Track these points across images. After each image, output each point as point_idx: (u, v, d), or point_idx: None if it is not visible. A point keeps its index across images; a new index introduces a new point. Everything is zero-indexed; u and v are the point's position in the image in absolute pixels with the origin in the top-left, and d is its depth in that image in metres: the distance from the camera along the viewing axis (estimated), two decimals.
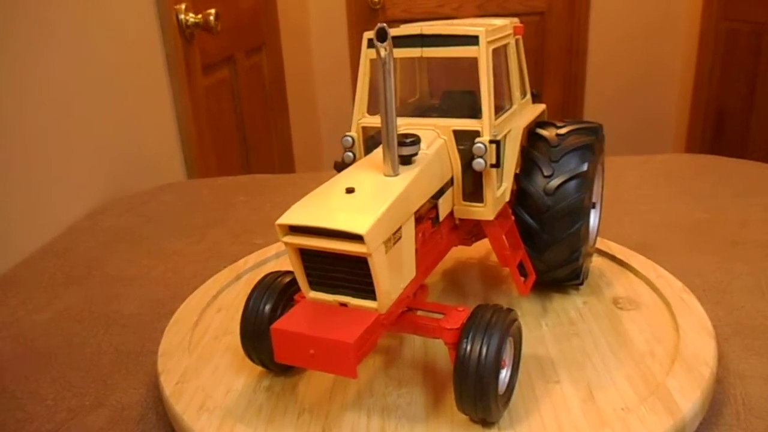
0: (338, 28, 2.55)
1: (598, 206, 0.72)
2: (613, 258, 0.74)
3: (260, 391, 0.55)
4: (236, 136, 1.78)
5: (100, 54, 1.14)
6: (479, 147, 0.54)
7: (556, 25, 2.55)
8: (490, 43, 0.56)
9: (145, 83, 1.29)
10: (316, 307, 0.49)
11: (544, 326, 0.62)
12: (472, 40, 0.55)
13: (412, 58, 0.59)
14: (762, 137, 2.09)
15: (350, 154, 0.60)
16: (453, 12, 2.52)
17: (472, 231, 0.65)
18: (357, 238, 0.44)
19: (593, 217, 0.71)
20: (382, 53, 0.45)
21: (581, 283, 0.67)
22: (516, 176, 0.62)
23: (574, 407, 0.51)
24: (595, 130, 0.65)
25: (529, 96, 0.67)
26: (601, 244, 0.76)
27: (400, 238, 0.49)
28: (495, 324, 0.48)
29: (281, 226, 0.47)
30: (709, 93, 2.36)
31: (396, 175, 0.50)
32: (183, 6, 1.40)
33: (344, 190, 0.48)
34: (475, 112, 0.56)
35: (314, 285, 0.50)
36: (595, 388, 0.53)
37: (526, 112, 0.65)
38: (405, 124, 0.59)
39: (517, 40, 0.64)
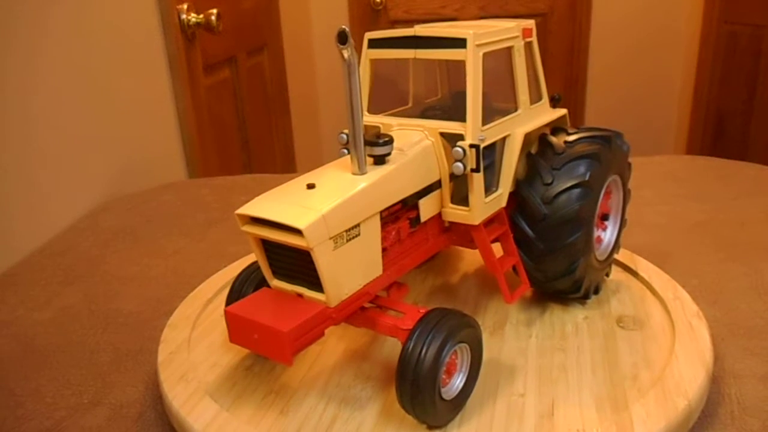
0: None
1: (615, 218, 0.69)
2: (635, 274, 0.71)
3: (240, 370, 0.58)
4: (237, 136, 1.79)
5: (102, 53, 1.14)
6: (457, 151, 0.54)
7: (558, 27, 2.55)
8: (481, 46, 0.55)
9: (146, 83, 1.30)
10: (273, 295, 0.52)
11: (532, 337, 0.61)
12: (460, 42, 0.55)
13: (432, 60, 0.59)
14: (762, 140, 2.09)
15: (345, 150, 0.60)
16: (455, 13, 2.52)
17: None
18: (299, 232, 0.46)
19: (609, 230, 0.68)
20: (345, 55, 0.47)
21: (584, 297, 0.65)
22: (518, 182, 0.61)
23: (527, 422, 0.50)
24: (608, 139, 0.62)
25: (544, 101, 0.65)
26: (628, 258, 0.73)
27: (357, 235, 0.50)
28: (441, 327, 0.48)
29: (241, 216, 0.49)
30: (709, 95, 2.35)
31: (363, 173, 0.51)
32: (185, 6, 1.40)
33: (305, 186, 0.50)
34: None
35: (276, 274, 0.52)
36: (559, 405, 0.52)
37: (536, 117, 0.63)
38: (397, 124, 0.59)
39: (529, 43, 0.62)
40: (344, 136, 0.60)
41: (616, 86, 2.61)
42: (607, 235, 0.68)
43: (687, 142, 2.56)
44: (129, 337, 0.68)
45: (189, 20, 1.41)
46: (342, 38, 0.46)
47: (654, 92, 2.63)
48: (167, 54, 1.36)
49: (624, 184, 0.68)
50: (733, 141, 2.26)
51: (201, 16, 1.44)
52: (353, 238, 0.50)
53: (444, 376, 0.49)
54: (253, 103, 1.88)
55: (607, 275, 0.70)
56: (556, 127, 0.65)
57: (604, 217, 0.67)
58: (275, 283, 0.52)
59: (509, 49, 0.59)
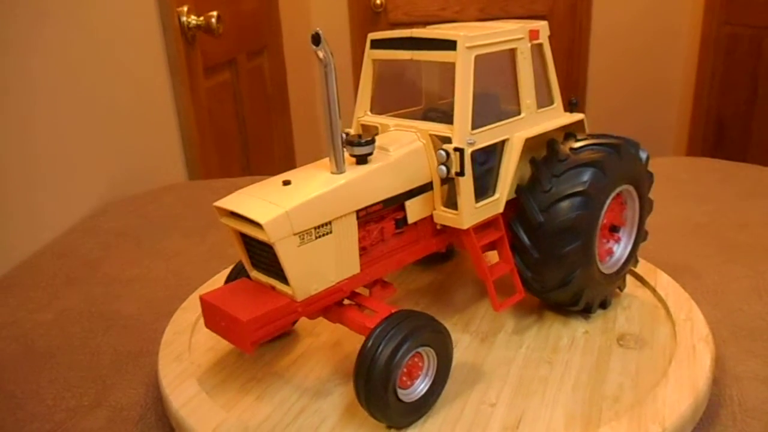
0: (340, 30, 2.55)
1: (630, 231, 0.65)
2: (653, 290, 0.68)
3: (233, 355, 0.61)
4: (238, 138, 1.79)
5: (102, 56, 1.14)
6: (440, 154, 0.54)
7: (558, 29, 2.55)
8: (473, 48, 0.55)
9: (146, 85, 1.30)
10: (249, 286, 0.53)
11: (523, 348, 0.60)
12: (450, 44, 0.55)
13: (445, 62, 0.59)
14: (763, 141, 2.09)
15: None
16: (454, 15, 2.52)
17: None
18: (261, 226, 0.47)
19: (623, 243, 0.65)
20: (320, 55, 0.48)
21: (585, 311, 0.63)
22: (519, 188, 0.60)
23: None
24: (617, 147, 0.59)
25: (557, 105, 0.63)
26: (649, 272, 0.70)
27: (328, 232, 0.51)
28: (402, 328, 0.48)
29: (219, 208, 0.51)
30: (710, 97, 2.35)
31: (340, 172, 0.52)
32: (185, 8, 1.40)
33: (281, 183, 0.51)
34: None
35: (255, 266, 0.54)
36: (527, 419, 0.51)
37: (544, 121, 0.61)
38: (394, 125, 0.59)
39: (539, 45, 0.61)
40: (344, 136, 0.60)
41: (617, 88, 2.61)
42: (619, 248, 0.65)
43: (688, 144, 2.56)
44: (129, 339, 0.68)
45: (189, 22, 1.41)
46: (315, 40, 0.47)
47: (654, 94, 2.63)
48: (167, 56, 1.36)
49: (641, 195, 0.64)
50: (733, 142, 2.26)
51: (201, 18, 1.44)
52: (324, 235, 0.51)
53: (404, 378, 0.49)
54: (253, 105, 1.88)
55: (620, 289, 0.67)
56: (568, 133, 0.63)
57: (614, 229, 0.64)
58: (254, 274, 0.54)
59: (512, 51, 0.58)
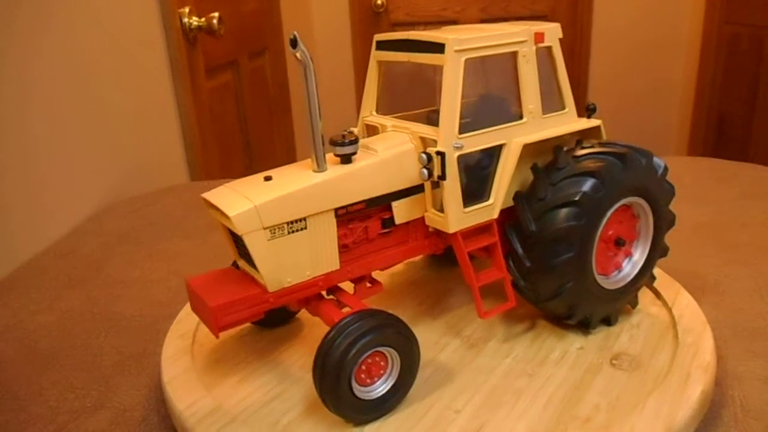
0: (342, 31, 2.55)
1: (643, 245, 0.62)
2: (669, 311, 0.63)
3: (234, 338, 0.64)
4: (240, 139, 1.79)
5: (104, 57, 1.14)
6: (422, 156, 0.54)
7: None
8: (462, 51, 0.54)
9: (148, 86, 1.30)
10: (232, 274, 0.56)
11: (509, 357, 0.59)
12: (440, 47, 0.54)
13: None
14: (763, 141, 2.08)
15: None
16: (455, 15, 2.52)
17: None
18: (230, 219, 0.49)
19: (635, 257, 0.62)
20: (299, 56, 0.49)
21: (583, 326, 0.61)
22: (517, 194, 0.59)
23: None
24: (622, 157, 0.57)
25: (569, 110, 0.62)
26: (671, 290, 0.66)
27: (303, 228, 0.52)
28: (363, 325, 0.49)
29: (205, 200, 0.54)
30: (711, 96, 2.35)
31: (321, 171, 0.53)
32: (186, 9, 1.41)
33: (263, 179, 0.53)
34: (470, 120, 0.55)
35: (241, 256, 0.55)
36: (486, 429, 0.50)
37: (549, 126, 0.60)
38: (392, 126, 0.60)
39: (548, 48, 0.60)
40: (346, 134, 0.60)
41: (618, 88, 2.61)
42: (629, 263, 0.62)
43: (688, 144, 2.56)
44: (132, 340, 0.68)
45: (191, 24, 1.41)
46: (293, 43, 0.49)
47: (655, 93, 2.63)
48: (169, 57, 1.36)
49: (655, 208, 0.61)
50: (734, 142, 2.25)
51: (203, 19, 1.44)
52: (297, 230, 0.52)
53: (363, 375, 0.50)
54: (255, 106, 1.88)
55: (632, 306, 0.64)
56: (578, 140, 0.61)
57: (619, 242, 0.61)
58: (241, 263, 0.56)
59: (513, 54, 0.57)
